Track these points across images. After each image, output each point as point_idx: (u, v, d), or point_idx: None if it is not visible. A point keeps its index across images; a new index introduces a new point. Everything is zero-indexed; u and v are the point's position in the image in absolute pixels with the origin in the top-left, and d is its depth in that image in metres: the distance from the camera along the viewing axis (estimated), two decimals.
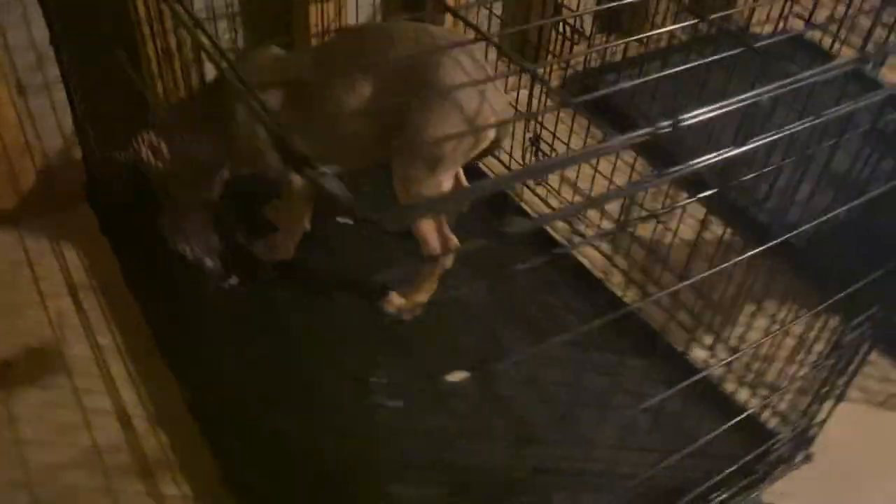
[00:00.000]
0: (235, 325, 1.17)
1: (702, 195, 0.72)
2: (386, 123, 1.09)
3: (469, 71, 1.07)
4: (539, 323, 1.23)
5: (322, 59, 1.13)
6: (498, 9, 1.70)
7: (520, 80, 1.74)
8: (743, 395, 1.17)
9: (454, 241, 1.18)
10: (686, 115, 0.55)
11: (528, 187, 1.49)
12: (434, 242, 1.15)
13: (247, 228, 1.31)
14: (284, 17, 1.56)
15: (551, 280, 1.31)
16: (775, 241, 0.75)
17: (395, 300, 1.21)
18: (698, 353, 1.22)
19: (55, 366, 1.17)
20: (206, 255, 1.27)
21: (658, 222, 1.31)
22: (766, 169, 0.74)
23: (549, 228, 1.34)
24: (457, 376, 0.51)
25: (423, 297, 1.19)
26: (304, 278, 1.27)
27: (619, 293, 1.30)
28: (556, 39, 1.44)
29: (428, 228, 1.13)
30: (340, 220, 1.23)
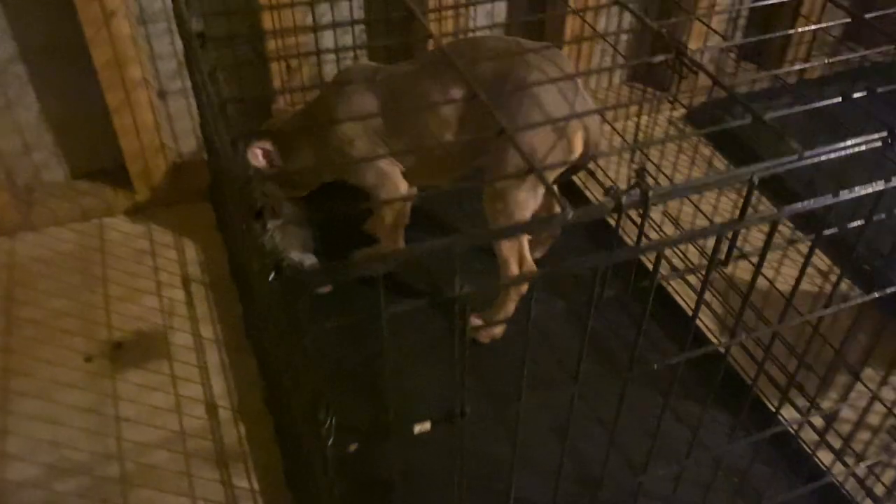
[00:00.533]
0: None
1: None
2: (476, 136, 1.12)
3: (558, 83, 1.07)
4: (617, 357, 1.20)
5: (417, 72, 1.17)
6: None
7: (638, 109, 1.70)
8: (832, 463, 1.08)
9: (531, 265, 1.17)
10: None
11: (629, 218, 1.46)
12: (514, 264, 1.15)
13: (348, 240, 1.36)
14: (406, 51, 1.61)
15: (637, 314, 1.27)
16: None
17: (473, 321, 1.22)
18: (791, 414, 1.14)
19: (160, 351, 1.27)
20: (305, 260, 1.33)
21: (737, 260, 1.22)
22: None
23: (645, 259, 1.30)
24: (421, 427, 0.51)
25: (500, 319, 1.20)
26: (393, 292, 1.30)
27: (714, 339, 1.24)
28: (665, 72, 1.40)
29: (508, 249, 1.13)
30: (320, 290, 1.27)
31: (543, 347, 1.20)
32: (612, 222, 1.42)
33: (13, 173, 1.50)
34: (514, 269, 1.15)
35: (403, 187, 1.20)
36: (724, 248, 0.54)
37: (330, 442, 0.41)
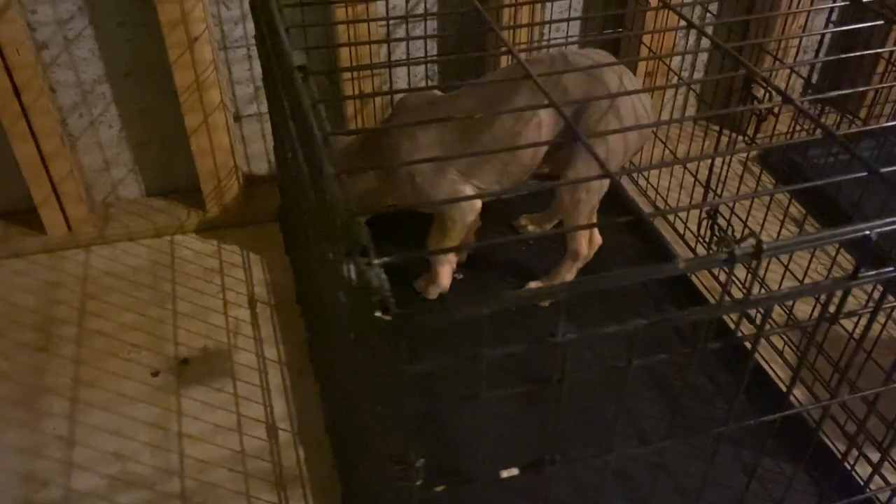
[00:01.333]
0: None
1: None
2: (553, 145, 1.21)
3: (627, 86, 1.17)
4: (684, 406, 1.16)
5: (479, 94, 1.19)
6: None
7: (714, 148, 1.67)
8: None
9: (598, 238, 1.32)
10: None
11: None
12: (583, 243, 1.26)
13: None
14: (478, 64, 1.62)
15: (709, 361, 1.24)
16: None
17: (532, 285, 1.32)
18: (865, 471, 1.09)
19: (224, 370, 1.29)
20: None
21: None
22: None
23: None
24: (508, 473, 0.50)
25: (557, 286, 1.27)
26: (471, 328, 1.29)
27: (783, 388, 1.20)
28: (747, 116, 1.38)
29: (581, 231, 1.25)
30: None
31: (612, 394, 1.17)
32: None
33: (92, 189, 1.56)
34: (584, 247, 1.26)
35: (478, 204, 1.23)
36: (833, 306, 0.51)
37: (419, 483, 0.41)
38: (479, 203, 1.23)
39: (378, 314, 0.35)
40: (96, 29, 1.38)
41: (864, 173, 0.49)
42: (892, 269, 0.43)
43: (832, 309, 0.49)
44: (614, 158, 1.19)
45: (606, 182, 1.21)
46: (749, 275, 0.48)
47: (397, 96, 1.47)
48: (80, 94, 1.44)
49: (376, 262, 0.37)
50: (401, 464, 0.40)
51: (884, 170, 0.49)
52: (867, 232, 0.43)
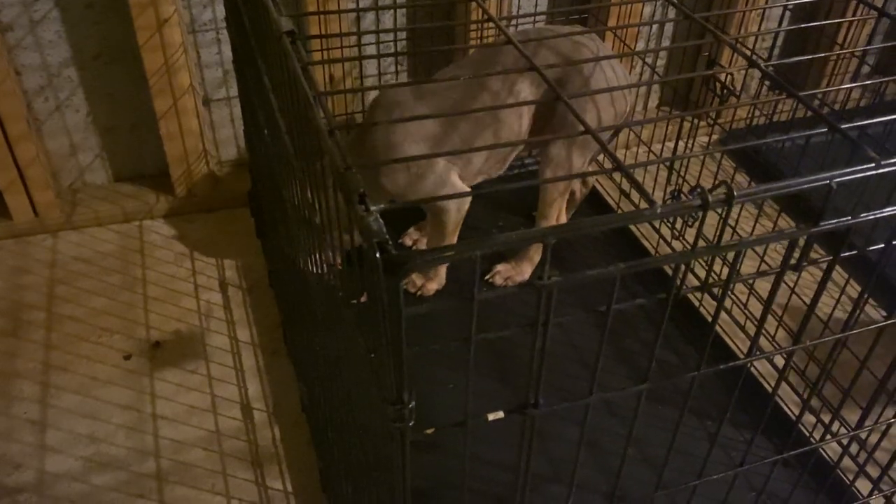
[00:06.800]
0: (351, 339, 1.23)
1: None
2: (537, 116, 1.22)
3: (605, 60, 1.19)
4: (641, 365, 1.21)
5: (470, 68, 1.23)
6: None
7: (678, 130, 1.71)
8: (863, 487, 1.08)
9: (563, 218, 1.36)
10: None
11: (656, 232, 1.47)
12: (553, 219, 1.31)
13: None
14: (449, 38, 1.63)
15: (672, 335, 1.28)
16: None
17: (504, 272, 1.36)
18: (815, 432, 1.14)
19: (197, 352, 1.29)
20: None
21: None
22: None
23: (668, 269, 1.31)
24: (494, 415, 0.53)
25: (528, 268, 1.36)
26: (424, 301, 1.32)
27: (735, 350, 1.25)
28: (706, 94, 1.42)
29: (553, 207, 1.29)
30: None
31: (571, 354, 1.22)
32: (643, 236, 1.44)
33: (59, 174, 1.54)
34: (553, 223, 1.30)
35: (468, 190, 1.23)
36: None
37: (411, 424, 0.43)
38: (468, 189, 1.23)
39: (378, 255, 0.37)
40: (63, 11, 1.36)
41: (824, 129, 0.52)
42: (849, 218, 0.46)
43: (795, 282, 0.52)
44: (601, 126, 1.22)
45: (586, 159, 1.25)
46: (720, 222, 0.51)
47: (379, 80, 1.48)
48: (46, 78, 1.42)
49: (373, 208, 0.39)
50: (395, 404, 0.42)
51: (844, 126, 0.52)
52: (828, 181, 0.46)
